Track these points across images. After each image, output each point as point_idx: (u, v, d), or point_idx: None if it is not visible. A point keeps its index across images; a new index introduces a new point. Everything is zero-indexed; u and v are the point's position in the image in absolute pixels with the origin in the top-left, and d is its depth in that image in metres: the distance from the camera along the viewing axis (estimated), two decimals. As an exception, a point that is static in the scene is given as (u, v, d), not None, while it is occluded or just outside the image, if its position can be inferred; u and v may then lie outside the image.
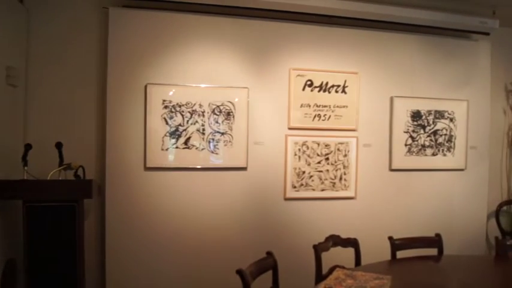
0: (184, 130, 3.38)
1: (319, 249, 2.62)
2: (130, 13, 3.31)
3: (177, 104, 3.36)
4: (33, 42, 3.27)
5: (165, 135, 3.34)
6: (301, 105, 3.62)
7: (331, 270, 2.50)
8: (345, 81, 3.71)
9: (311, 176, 3.65)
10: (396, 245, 2.89)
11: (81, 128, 3.35)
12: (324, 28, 3.69)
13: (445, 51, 3.98)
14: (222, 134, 3.45)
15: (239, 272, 2.03)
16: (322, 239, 2.77)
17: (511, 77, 4.37)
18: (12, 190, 2.75)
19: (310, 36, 3.65)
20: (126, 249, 3.28)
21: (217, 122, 3.44)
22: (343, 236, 2.89)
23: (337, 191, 3.71)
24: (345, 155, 3.73)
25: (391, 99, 3.84)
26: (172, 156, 3.37)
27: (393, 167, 3.85)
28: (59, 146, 2.99)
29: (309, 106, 3.64)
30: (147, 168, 3.32)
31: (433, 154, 3.95)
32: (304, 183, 3.63)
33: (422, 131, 3.92)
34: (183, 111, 3.38)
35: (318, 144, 3.66)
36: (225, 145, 3.46)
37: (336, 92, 3.70)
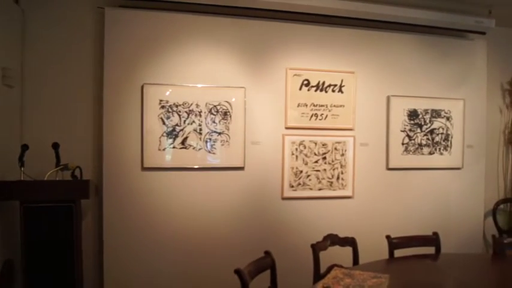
0: (181, 130, 3.38)
1: (317, 248, 2.63)
2: (127, 13, 3.30)
3: (174, 104, 3.36)
4: (28, 43, 3.26)
5: (162, 135, 3.34)
6: (298, 105, 3.63)
7: (329, 269, 2.50)
8: (342, 81, 3.72)
9: (308, 176, 3.65)
10: (394, 243, 2.89)
11: (78, 128, 3.35)
12: (321, 28, 3.69)
13: (441, 51, 3.99)
14: (219, 133, 3.45)
15: (237, 272, 2.03)
16: (320, 238, 2.78)
17: (507, 76, 4.39)
18: (9, 191, 2.75)
19: (307, 35, 3.66)
20: (124, 249, 3.27)
21: (214, 122, 3.44)
22: (341, 235, 2.90)
23: (334, 190, 3.72)
24: (342, 154, 3.73)
25: (388, 98, 3.85)
26: (169, 156, 3.36)
27: (390, 166, 3.86)
28: (55, 146, 2.99)
29: (306, 106, 3.64)
30: (144, 169, 3.32)
31: (430, 153, 3.96)
32: (301, 183, 3.64)
33: (419, 130, 3.93)
34: (180, 111, 3.37)
35: (315, 143, 3.66)
36: (222, 145, 3.46)
37: (333, 91, 3.70)
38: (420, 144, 3.93)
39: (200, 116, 3.41)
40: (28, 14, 3.25)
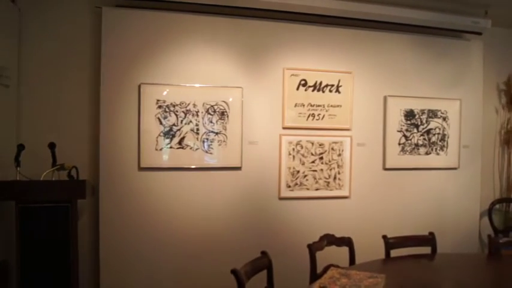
0: (178, 130, 3.37)
1: (313, 248, 2.63)
2: (124, 12, 3.29)
3: (171, 103, 3.35)
4: (25, 42, 3.25)
5: (159, 135, 3.33)
6: (295, 105, 3.63)
7: (326, 269, 2.51)
8: (339, 81, 3.72)
9: (305, 176, 3.66)
10: (390, 243, 2.90)
11: (74, 128, 3.34)
12: (318, 28, 3.70)
13: (437, 51, 4.01)
14: (216, 133, 3.45)
15: (234, 272, 2.03)
16: (316, 238, 2.78)
17: (503, 77, 4.41)
18: (4, 191, 2.73)
19: (304, 35, 3.66)
20: (120, 249, 3.27)
21: (211, 122, 3.44)
22: (338, 235, 2.90)
23: (331, 190, 3.72)
24: (339, 155, 3.74)
25: (385, 98, 3.86)
26: (166, 156, 3.36)
27: (387, 166, 3.87)
28: (52, 146, 2.98)
29: (303, 106, 3.64)
30: (141, 169, 3.31)
31: (427, 153, 3.97)
32: (298, 183, 3.64)
33: (415, 130, 3.95)
34: (177, 111, 3.37)
35: (312, 143, 3.67)
36: (219, 145, 3.45)
37: (330, 91, 3.71)
38: (417, 145, 3.95)
39: (197, 116, 3.41)
40: (25, 13, 3.24)
